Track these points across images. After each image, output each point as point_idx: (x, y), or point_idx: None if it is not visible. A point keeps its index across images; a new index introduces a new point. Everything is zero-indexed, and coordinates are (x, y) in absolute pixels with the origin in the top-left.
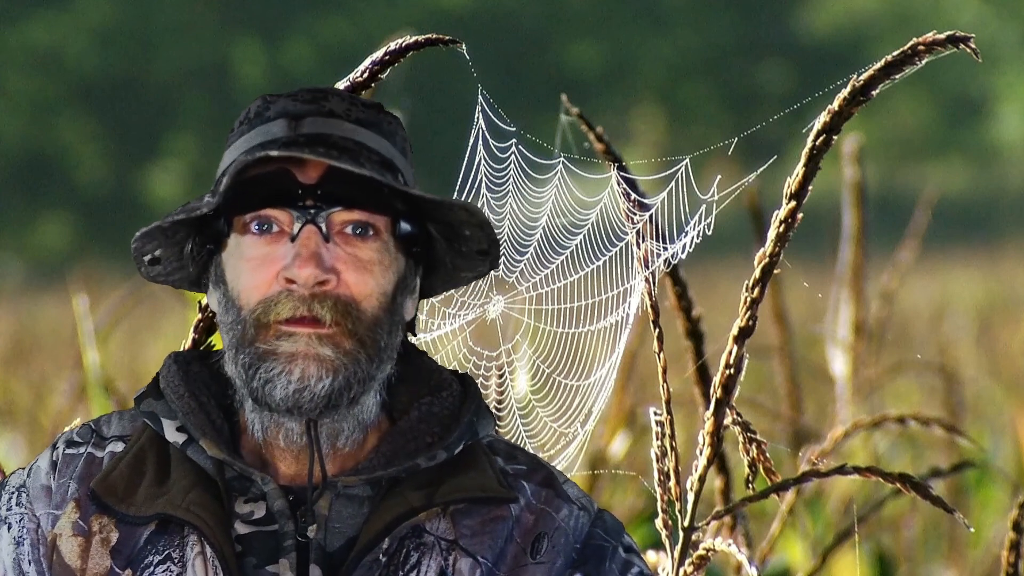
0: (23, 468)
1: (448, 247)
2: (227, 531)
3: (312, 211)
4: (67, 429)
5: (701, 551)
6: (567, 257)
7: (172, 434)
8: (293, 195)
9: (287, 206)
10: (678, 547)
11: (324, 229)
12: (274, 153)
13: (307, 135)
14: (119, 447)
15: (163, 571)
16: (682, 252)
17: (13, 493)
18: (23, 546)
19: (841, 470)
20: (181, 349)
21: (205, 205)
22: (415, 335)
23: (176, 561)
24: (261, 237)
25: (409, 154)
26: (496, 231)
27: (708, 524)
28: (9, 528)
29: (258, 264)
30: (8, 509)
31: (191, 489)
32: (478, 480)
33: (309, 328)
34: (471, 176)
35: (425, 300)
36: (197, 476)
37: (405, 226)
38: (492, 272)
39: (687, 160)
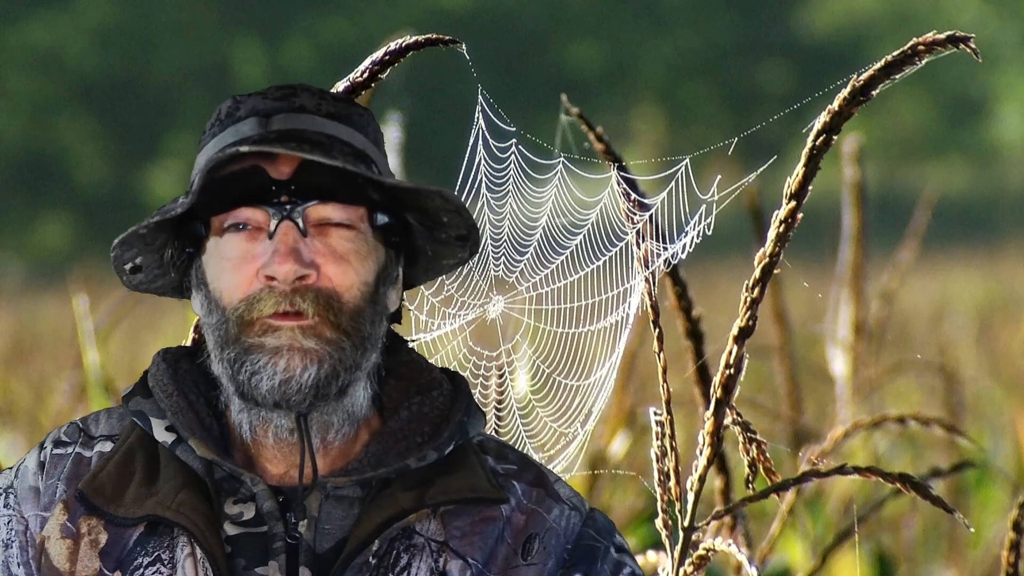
0: (10, 468)
1: (427, 235)
2: (217, 532)
3: (288, 207)
4: (54, 429)
5: (701, 551)
6: (567, 257)
7: (161, 434)
8: (267, 192)
9: (262, 203)
10: (678, 547)
11: (301, 224)
12: (244, 149)
13: (278, 131)
14: (107, 447)
15: (153, 573)
16: (682, 252)
17: (0, 495)
18: (12, 548)
19: (841, 470)
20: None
21: (180, 206)
22: (400, 323)
23: (166, 563)
24: (239, 235)
25: (383, 145)
26: (473, 216)
27: (708, 524)
28: None
29: (238, 263)
30: None
31: (180, 490)
32: (469, 480)
33: (292, 321)
34: (471, 176)
35: (424, 300)
36: (186, 476)
37: (382, 217)
38: (492, 272)
39: (687, 160)
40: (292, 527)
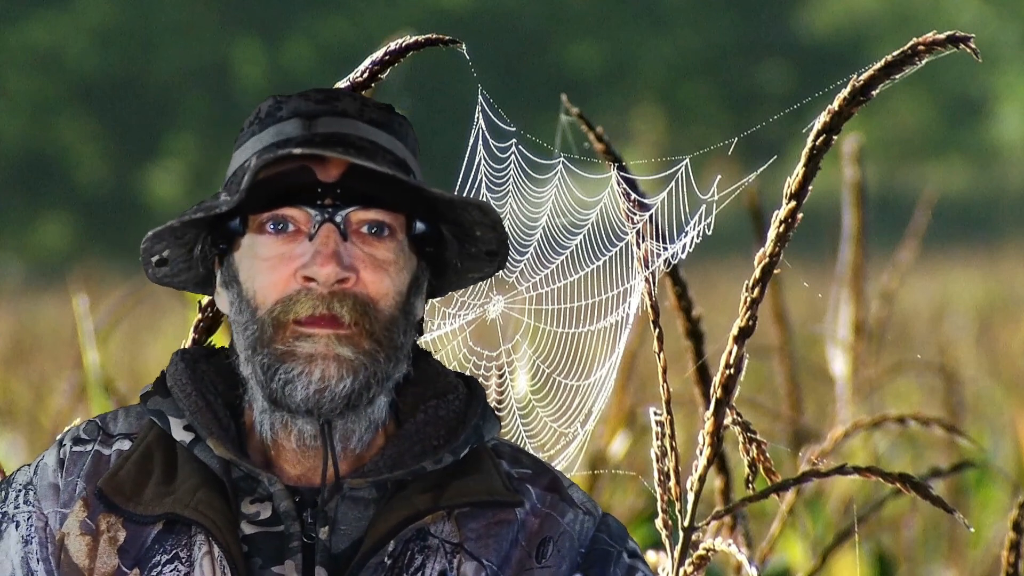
0: (29, 465)
1: (459, 248)
2: (235, 531)
3: (331, 209)
4: (72, 426)
5: (701, 551)
6: (567, 257)
7: (179, 433)
8: (313, 193)
9: (306, 204)
10: (678, 547)
11: (342, 227)
12: (297, 151)
13: (323, 134)
14: (126, 445)
15: (171, 571)
16: (682, 252)
17: (20, 491)
18: (31, 544)
19: (841, 470)
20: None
21: (224, 204)
22: (422, 335)
23: (184, 561)
24: (277, 236)
25: (418, 155)
26: (506, 232)
27: (708, 524)
28: (17, 526)
29: (275, 263)
30: (16, 507)
31: (198, 489)
32: (484, 484)
33: (328, 329)
34: (471, 176)
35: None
36: (204, 475)
37: (420, 225)
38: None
39: (687, 160)
40: (309, 527)
